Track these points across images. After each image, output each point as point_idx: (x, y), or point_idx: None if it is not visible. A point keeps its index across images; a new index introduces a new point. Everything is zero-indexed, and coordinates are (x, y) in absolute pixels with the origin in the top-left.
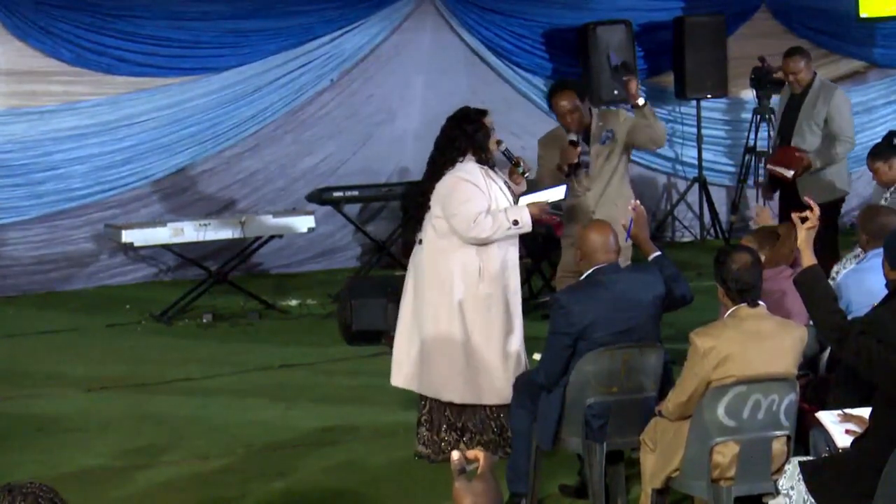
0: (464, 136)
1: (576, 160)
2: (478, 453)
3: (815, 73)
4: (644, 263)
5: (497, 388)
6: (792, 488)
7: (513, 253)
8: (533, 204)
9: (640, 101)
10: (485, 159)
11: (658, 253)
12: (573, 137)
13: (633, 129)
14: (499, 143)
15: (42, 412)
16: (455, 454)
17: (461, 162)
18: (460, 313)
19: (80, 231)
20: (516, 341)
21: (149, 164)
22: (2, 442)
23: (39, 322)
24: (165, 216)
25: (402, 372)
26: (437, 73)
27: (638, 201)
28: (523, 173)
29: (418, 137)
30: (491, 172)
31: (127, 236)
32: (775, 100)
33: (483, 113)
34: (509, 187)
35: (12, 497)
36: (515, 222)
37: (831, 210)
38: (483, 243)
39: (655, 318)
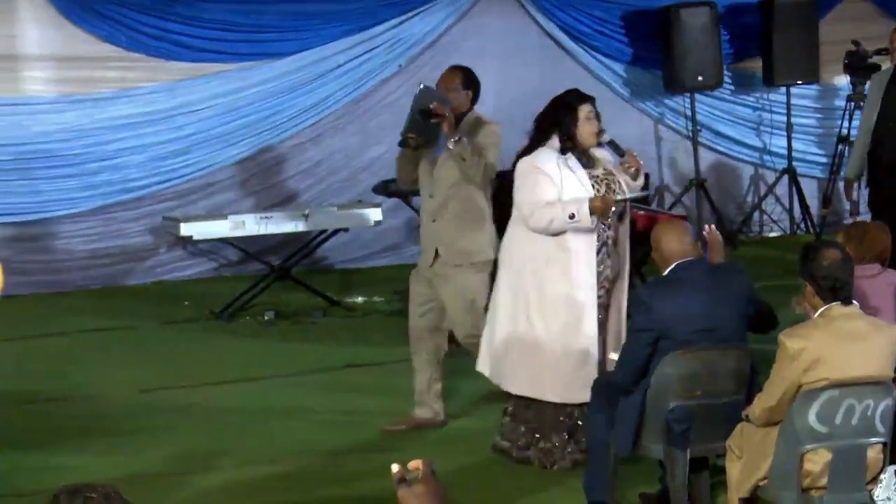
0: (551, 119)
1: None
2: (418, 463)
3: None
4: (729, 264)
5: (561, 386)
6: (889, 499)
7: (587, 244)
8: (599, 197)
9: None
10: (569, 147)
11: None
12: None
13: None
14: (599, 133)
15: (93, 413)
16: (395, 467)
17: (543, 146)
18: (525, 303)
19: (136, 224)
20: (587, 339)
21: (207, 154)
22: (50, 445)
23: (93, 319)
24: (225, 208)
25: (483, 357)
26: (509, 58)
27: (714, 226)
28: (634, 170)
29: None
30: (571, 162)
31: (185, 229)
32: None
33: (584, 99)
34: (607, 182)
35: (70, 499)
36: (572, 216)
37: None
38: (545, 234)
39: (741, 317)
